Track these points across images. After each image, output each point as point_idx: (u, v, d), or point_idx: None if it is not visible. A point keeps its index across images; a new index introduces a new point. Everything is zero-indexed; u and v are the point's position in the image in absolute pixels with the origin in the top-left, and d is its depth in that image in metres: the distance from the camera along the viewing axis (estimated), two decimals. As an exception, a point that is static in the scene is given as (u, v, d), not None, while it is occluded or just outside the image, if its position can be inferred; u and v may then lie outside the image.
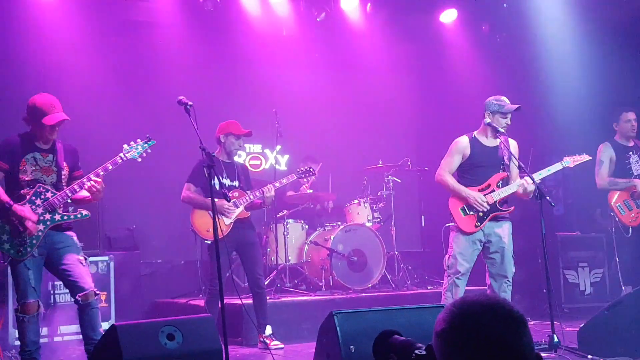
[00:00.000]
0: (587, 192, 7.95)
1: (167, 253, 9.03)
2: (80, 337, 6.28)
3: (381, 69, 10.50)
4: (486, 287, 6.10)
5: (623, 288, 7.41)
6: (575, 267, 8.45)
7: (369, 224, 8.53)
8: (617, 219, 7.37)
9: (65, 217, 5.15)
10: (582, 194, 8.26)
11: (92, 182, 5.06)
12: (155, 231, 8.80)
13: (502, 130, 5.95)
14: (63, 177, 5.20)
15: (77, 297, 5.06)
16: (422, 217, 9.63)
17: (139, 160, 5.26)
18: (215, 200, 4.98)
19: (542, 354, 5.24)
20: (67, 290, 6.31)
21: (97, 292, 5.19)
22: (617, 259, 7.54)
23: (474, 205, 5.87)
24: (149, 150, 5.29)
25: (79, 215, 5.22)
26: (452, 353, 1.72)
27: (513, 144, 6.11)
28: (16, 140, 5.16)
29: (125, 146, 5.23)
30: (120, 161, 5.18)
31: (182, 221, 7.40)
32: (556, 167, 6.13)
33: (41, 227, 5.00)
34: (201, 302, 6.98)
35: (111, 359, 3.86)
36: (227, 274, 7.21)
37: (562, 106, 9.09)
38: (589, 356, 5.19)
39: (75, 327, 6.42)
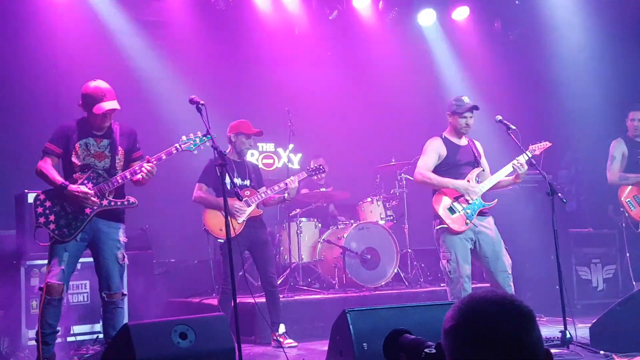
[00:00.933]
0: (599, 189, 7.94)
1: (180, 252, 9.06)
2: (94, 336, 6.36)
3: (393, 67, 10.49)
4: (489, 285, 6.09)
5: (634, 284, 7.38)
6: (588, 264, 8.42)
7: (382, 222, 8.53)
8: (626, 215, 7.35)
9: (113, 204, 5.17)
10: (594, 190, 8.24)
11: (147, 169, 5.10)
12: (168, 231, 8.83)
13: (463, 131, 5.99)
14: (117, 161, 5.24)
15: (103, 294, 5.12)
16: (435, 214, 9.61)
17: (195, 152, 5.30)
18: (228, 199, 5.00)
19: (554, 350, 5.24)
20: (81, 291, 6.41)
21: (125, 293, 5.24)
22: (628, 255, 7.52)
23: (466, 194, 5.83)
24: (207, 144, 5.26)
25: (126, 203, 5.24)
26: (460, 350, 1.71)
27: (478, 145, 6.18)
28: (72, 126, 5.23)
29: (183, 137, 5.26)
30: (175, 152, 5.23)
31: (195, 220, 7.41)
32: (524, 157, 6.04)
33: (87, 211, 5.05)
34: (214, 301, 7.00)
35: (124, 358, 3.89)
36: (240, 273, 7.25)
37: (575, 102, 9.07)
38: (601, 352, 5.18)
39: (88, 327, 6.47)
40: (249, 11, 9.36)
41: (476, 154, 6.07)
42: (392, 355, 2.23)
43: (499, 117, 5.94)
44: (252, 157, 9.94)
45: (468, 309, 1.73)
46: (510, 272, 5.88)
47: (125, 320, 6.74)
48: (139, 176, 5.13)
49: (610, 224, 8.16)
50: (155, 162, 5.16)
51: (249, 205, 6.48)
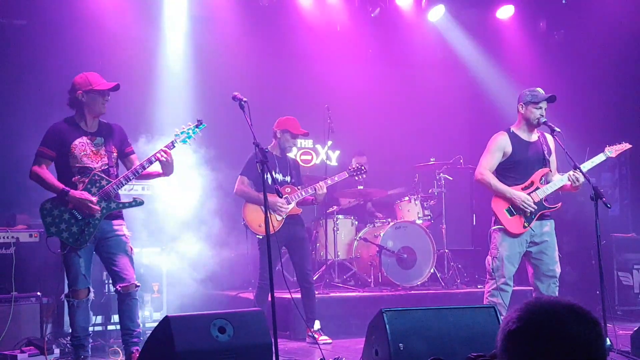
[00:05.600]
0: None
1: (218, 245, 9.11)
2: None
3: (435, 66, 10.43)
4: (531, 288, 5.99)
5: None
6: (630, 269, 8.31)
7: (419, 222, 8.49)
8: None
9: (121, 205, 5.21)
10: (638, 195, 8.09)
11: (162, 154, 5.10)
12: (206, 223, 8.89)
13: (534, 122, 5.75)
14: (112, 160, 5.24)
15: (117, 287, 5.15)
16: (474, 215, 9.56)
17: (190, 144, 5.32)
18: (269, 195, 5.01)
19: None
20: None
21: (138, 284, 5.25)
22: None
23: (521, 207, 5.69)
24: (200, 134, 5.29)
25: (133, 203, 5.25)
26: (529, 353, 1.67)
27: (550, 139, 5.94)
28: (64, 127, 5.20)
29: (176, 129, 5.24)
30: (172, 146, 5.20)
31: (233, 214, 7.47)
32: (599, 158, 5.89)
33: (98, 215, 5.07)
34: (250, 295, 7.04)
35: (164, 350, 3.94)
36: (277, 268, 7.28)
37: (621, 104, 8.91)
38: (643, 361, 5.10)
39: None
40: (291, 8, 9.39)
41: (545, 152, 5.85)
42: None
43: (544, 119, 5.80)
44: (291, 152, 9.94)
45: (540, 311, 1.69)
46: (557, 280, 5.79)
47: (164, 311, 6.85)
48: (158, 158, 5.11)
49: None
50: (155, 160, 5.13)
51: (289, 203, 6.49)
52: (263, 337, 4.26)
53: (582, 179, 5.65)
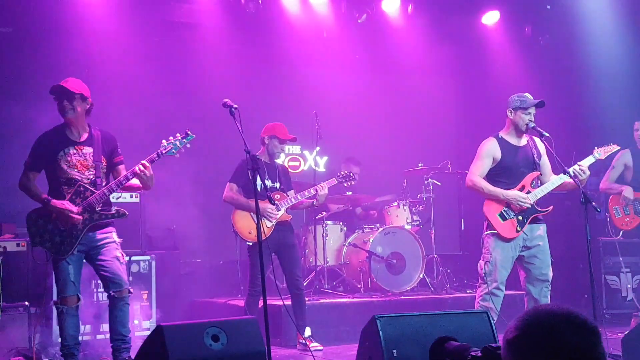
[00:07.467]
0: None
1: (206, 253, 9.09)
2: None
3: (422, 71, 10.46)
4: (523, 292, 6.00)
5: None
6: (617, 273, 8.35)
7: (408, 227, 8.50)
8: (608, 220, 7.57)
9: (104, 217, 5.18)
10: (625, 198, 8.14)
11: (139, 168, 5.03)
12: (195, 231, 8.87)
13: (523, 128, 5.79)
14: (102, 170, 5.22)
15: (111, 292, 5.14)
16: (462, 220, 9.58)
17: (177, 156, 5.22)
18: (259, 202, 4.99)
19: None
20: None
21: (131, 290, 5.26)
22: None
23: (517, 205, 5.69)
24: (188, 146, 5.22)
25: (115, 215, 5.23)
26: None
27: (539, 143, 5.97)
28: (52, 137, 5.19)
29: (163, 141, 5.19)
30: (157, 158, 5.15)
31: (222, 221, 7.44)
32: (588, 160, 5.89)
33: (80, 225, 5.05)
34: (240, 302, 7.02)
35: (156, 359, 3.91)
36: (267, 275, 7.25)
37: (606, 110, 8.97)
38: (634, 364, 5.11)
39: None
40: (278, 14, 9.36)
41: (535, 155, 5.89)
42: None
43: (532, 124, 5.83)
44: (279, 159, 9.93)
45: (536, 320, 1.70)
46: (550, 284, 5.81)
47: (153, 319, 6.81)
48: (136, 172, 5.06)
49: (640, 233, 8.09)
50: (139, 172, 5.08)
51: (279, 209, 6.47)
52: (257, 345, 4.24)
53: (587, 171, 5.70)
